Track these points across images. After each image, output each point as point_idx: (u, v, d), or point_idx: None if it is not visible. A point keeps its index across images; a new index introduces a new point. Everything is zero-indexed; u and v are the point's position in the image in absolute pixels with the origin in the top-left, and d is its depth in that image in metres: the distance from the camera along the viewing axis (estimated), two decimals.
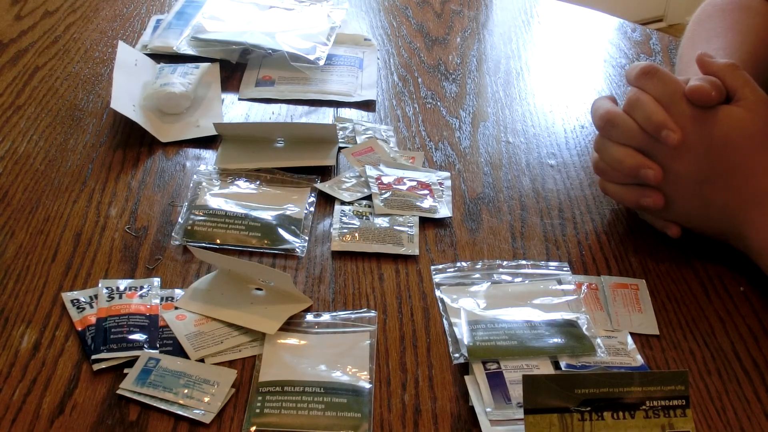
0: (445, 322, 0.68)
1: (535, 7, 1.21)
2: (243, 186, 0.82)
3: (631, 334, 0.67)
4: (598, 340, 0.65)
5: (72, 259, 0.73)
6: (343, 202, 0.80)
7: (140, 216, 0.78)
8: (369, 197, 0.80)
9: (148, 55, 1.02)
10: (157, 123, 0.90)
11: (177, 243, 0.75)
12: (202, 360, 0.64)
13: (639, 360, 0.64)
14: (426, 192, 0.81)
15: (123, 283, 0.70)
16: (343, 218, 0.78)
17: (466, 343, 0.64)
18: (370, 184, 0.81)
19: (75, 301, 0.68)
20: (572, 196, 0.83)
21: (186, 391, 0.60)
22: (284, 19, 1.09)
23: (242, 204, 0.79)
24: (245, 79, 1.00)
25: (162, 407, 0.59)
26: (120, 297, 0.68)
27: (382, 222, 0.77)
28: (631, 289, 0.71)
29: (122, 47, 0.98)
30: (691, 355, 0.66)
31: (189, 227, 0.76)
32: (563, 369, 0.62)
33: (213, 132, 0.88)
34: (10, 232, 0.75)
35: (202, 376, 0.62)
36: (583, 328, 0.66)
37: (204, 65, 0.97)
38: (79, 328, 0.66)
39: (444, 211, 0.80)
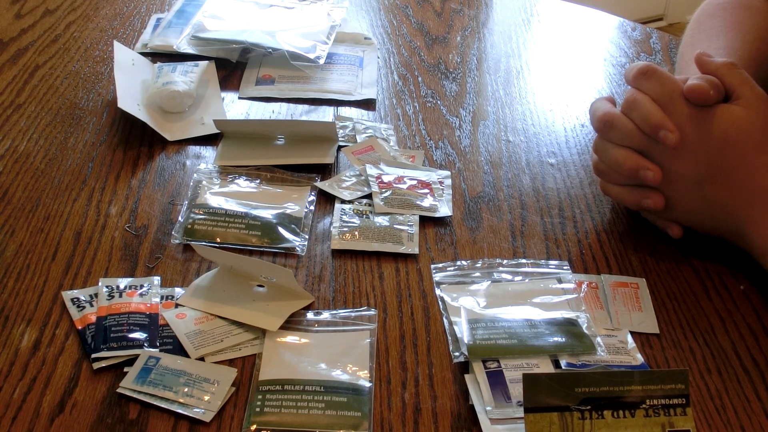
0: (445, 320, 0.68)
1: (535, 6, 1.21)
2: (243, 184, 0.82)
3: (631, 332, 0.67)
4: (598, 339, 0.65)
5: (72, 257, 0.73)
6: (343, 201, 0.80)
7: (140, 215, 0.78)
8: (369, 196, 0.80)
9: (143, 54, 1.02)
10: (162, 122, 0.90)
11: (177, 242, 0.75)
12: (202, 359, 0.64)
13: (639, 359, 0.64)
14: (426, 191, 0.81)
15: (123, 282, 0.70)
16: (343, 217, 0.78)
17: (466, 341, 0.64)
18: (371, 182, 0.81)
19: (75, 300, 0.68)
20: (572, 194, 0.83)
21: (186, 389, 0.60)
22: (284, 17, 1.09)
23: (242, 203, 0.79)
24: (245, 77, 1.00)
25: (162, 406, 0.59)
26: (120, 296, 0.68)
27: (382, 221, 0.77)
28: (631, 287, 0.71)
29: (118, 48, 0.98)
30: (691, 354, 0.66)
31: (189, 226, 0.76)
32: (563, 368, 0.62)
33: (218, 129, 0.88)
34: (10, 231, 0.75)
35: (202, 375, 0.62)
36: (583, 327, 0.66)
37: (203, 63, 0.97)
38: (79, 327, 0.66)
39: (444, 210, 0.80)
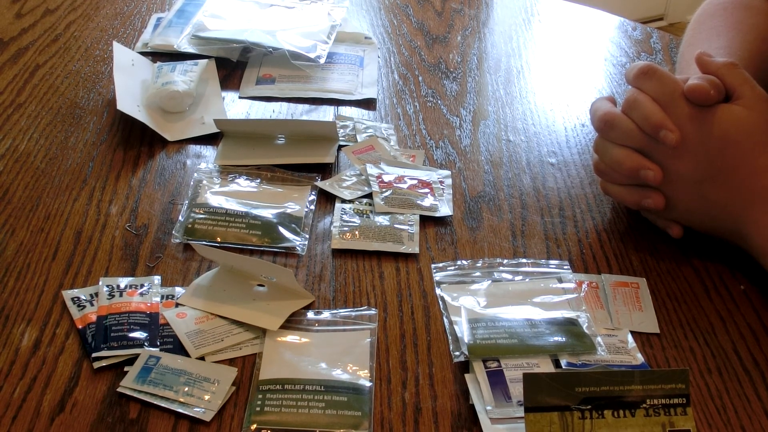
0: (445, 320, 0.68)
1: (536, 6, 1.21)
2: (243, 184, 0.82)
3: (632, 332, 0.67)
4: (599, 339, 0.65)
5: (72, 257, 0.73)
6: (343, 200, 0.80)
7: (141, 214, 0.78)
8: (369, 195, 0.80)
9: (142, 54, 1.02)
10: (162, 122, 0.90)
11: (177, 241, 0.75)
12: (202, 358, 0.64)
13: (639, 358, 0.64)
14: (426, 190, 0.81)
15: (123, 281, 0.70)
16: (343, 216, 0.78)
17: (466, 341, 0.64)
18: (371, 182, 0.81)
19: (75, 299, 0.68)
20: (573, 194, 0.83)
21: (186, 389, 0.60)
22: (285, 17, 1.09)
23: (243, 202, 0.79)
24: (246, 77, 1.00)
25: (162, 405, 0.59)
26: (120, 295, 0.68)
27: (382, 220, 0.77)
28: (631, 287, 0.71)
29: (118, 48, 0.98)
30: (692, 354, 0.66)
31: (189, 225, 0.76)
32: (564, 367, 0.62)
33: (218, 129, 0.88)
34: (10, 230, 0.75)
35: (202, 374, 0.62)
36: (584, 327, 0.66)
37: (202, 62, 0.97)
38: (80, 326, 0.66)
39: (444, 210, 0.80)
